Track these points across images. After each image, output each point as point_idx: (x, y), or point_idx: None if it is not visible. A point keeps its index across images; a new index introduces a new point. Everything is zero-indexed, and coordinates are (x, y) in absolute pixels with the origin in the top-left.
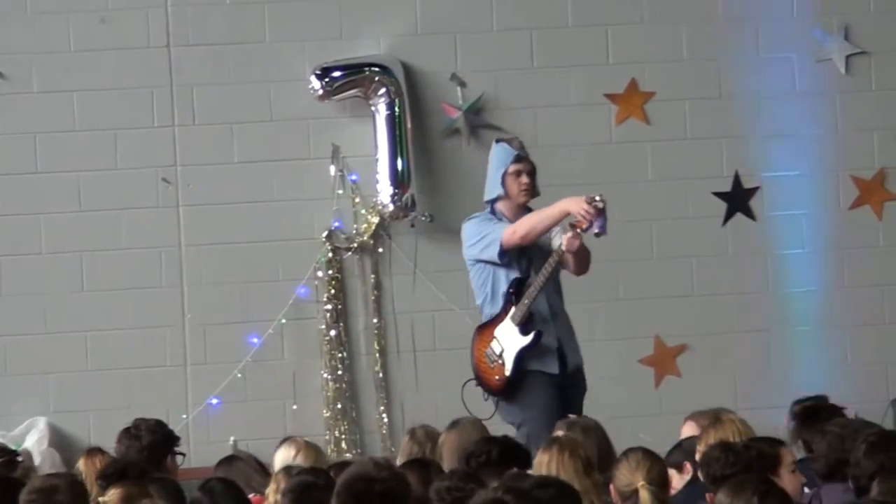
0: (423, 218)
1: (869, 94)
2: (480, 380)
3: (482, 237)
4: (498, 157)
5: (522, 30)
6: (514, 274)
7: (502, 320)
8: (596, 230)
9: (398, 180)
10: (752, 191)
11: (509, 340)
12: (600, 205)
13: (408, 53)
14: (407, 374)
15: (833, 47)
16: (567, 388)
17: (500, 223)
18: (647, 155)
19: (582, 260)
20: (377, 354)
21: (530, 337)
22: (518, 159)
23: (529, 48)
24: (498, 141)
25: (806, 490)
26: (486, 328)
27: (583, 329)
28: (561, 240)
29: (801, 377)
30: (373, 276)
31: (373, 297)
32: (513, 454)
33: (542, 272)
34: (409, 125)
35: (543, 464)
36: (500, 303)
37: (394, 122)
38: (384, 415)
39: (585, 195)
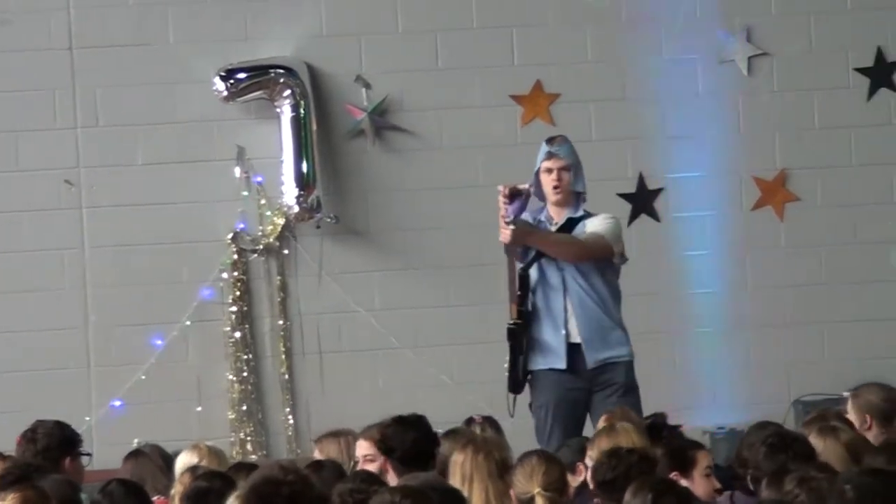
0: (329, 219)
1: (771, 95)
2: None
3: None
4: (538, 155)
5: (427, 31)
6: (537, 269)
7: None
8: (509, 217)
9: (303, 182)
10: (656, 192)
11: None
12: (505, 191)
13: (313, 55)
14: (312, 375)
15: (735, 49)
16: (591, 386)
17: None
18: None
19: (557, 251)
20: (283, 356)
21: (510, 322)
22: (549, 156)
23: (434, 50)
24: (547, 140)
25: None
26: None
27: (488, 330)
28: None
29: (703, 378)
30: (278, 277)
31: (278, 299)
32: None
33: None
34: (314, 127)
35: (458, 464)
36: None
37: (299, 124)
38: (290, 417)
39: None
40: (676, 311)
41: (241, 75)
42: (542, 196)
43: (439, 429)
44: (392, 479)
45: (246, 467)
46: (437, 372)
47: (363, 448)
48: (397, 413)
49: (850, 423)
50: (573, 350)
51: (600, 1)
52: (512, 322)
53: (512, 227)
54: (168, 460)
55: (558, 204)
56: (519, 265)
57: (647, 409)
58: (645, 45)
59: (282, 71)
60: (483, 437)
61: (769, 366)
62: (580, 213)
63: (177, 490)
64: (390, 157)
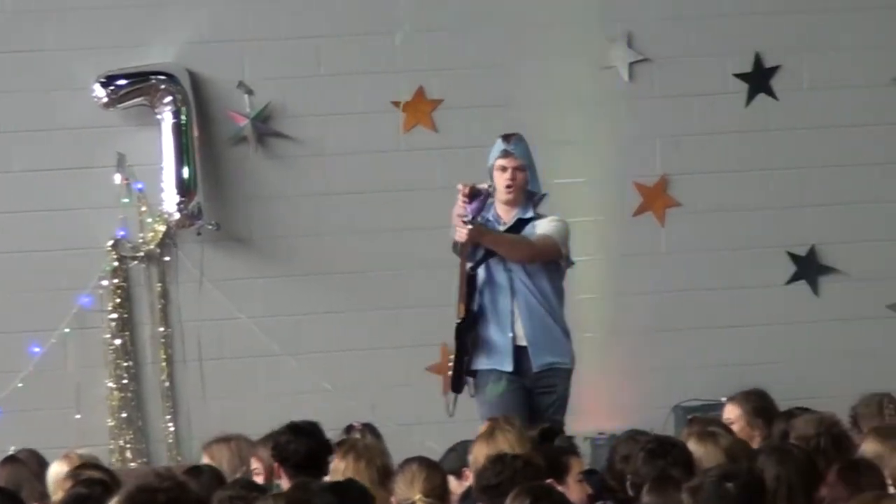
0: (210, 226)
1: (651, 100)
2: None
3: None
4: (492, 151)
5: (309, 38)
6: (484, 271)
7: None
8: (467, 217)
9: (184, 188)
10: (539, 198)
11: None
12: (465, 190)
13: (195, 62)
14: (194, 383)
15: (616, 55)
16: (534, 388)
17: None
18: (435, 162)
19: (509, 252)
20: (164, 363)
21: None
22: (505, 154)
23: (316, 56)
24: (502, 137)
25: None
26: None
27: (370, 337)
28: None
29: (585, 384)
30: (159, 284)
31: (159, 306)
32: None
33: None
34: (195, 133)
35: (339, 471)
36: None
37: (180, 131)
38: (170, 424)
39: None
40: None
41: (122, 82)
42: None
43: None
44: (286, 486)
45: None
46: (318, 378)
47: (254, 462)
48: (279, 419)
49: (728, 429)
50: (519, 352)
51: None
52: (459, 320)
53: (470, 226)
54: (45, 467)
55: (508, 203)
56: (468, 265)
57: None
58: (527, 50)
59: (163, 77)
60: (364, 444)
61: (649, 371)
62: (530, 213)
63: (57, 496)
64: (273, 164)
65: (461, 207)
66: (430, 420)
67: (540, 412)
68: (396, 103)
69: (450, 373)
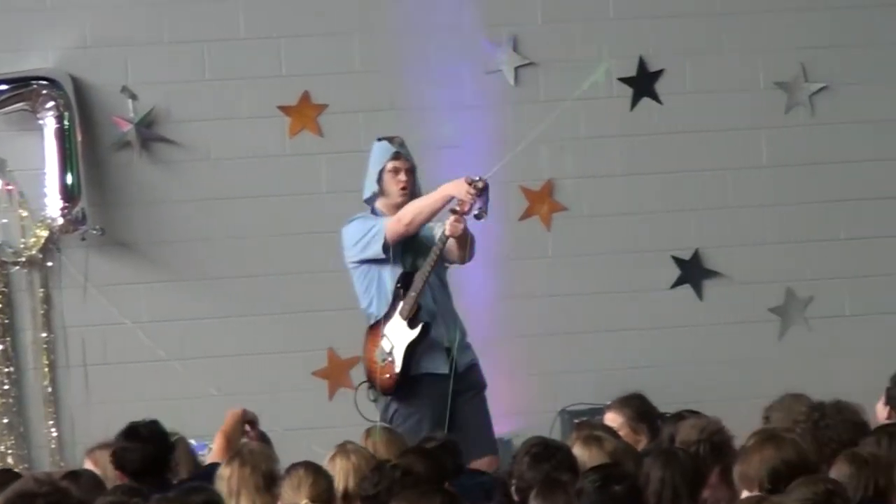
0: (94, 231)
1: (537, 105)
2: (372, 381)
3: (364, 234)
4: (376, 155)
5: (194, 42)
6: (397, 270)
7: (391, 317)
8: (475, 211)
9: (68, 194)
10: None
11: (398, 336)
12: (480, 184)
13: (77, 66)
14: (77, 388)
15: (502, 59)
16: (460, 389)
17: (382, 218)
18: (321, 167)
19: (465, 245)
20: (46, 369)
21: (417, 329)
22: (396, 156)
23: (201, 60)
24: (379, 139)
25: None
26: (375, 328)
27: (256, 342)
28: (444, 227)
29: None
30: (42, 290)
31: (42, 312)
32: None
33: (427, 262)
34: (79, 138)
35: (224, 478)
36: (387, 301)
37: (63, 136)
38: (53, 430)
39: (466, 177)
40: None
41: (2, 87)
42: (374, 198)
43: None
44: None
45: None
46: (205, 384)
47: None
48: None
49: (614, 433)
50: (448, 352)
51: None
52: (408, 320)
53: (478, 220)
54: None
55: (398, 206)
56: (398, 266)
57: None
58: (413, 54)
59: (44, 82)
60: (250, 449)
61: (536, 375)
62: None
63: None
64: (157, 169)
65: (467, 201)
66: (317, 425)
67: (465, 410)
68: (282, 108)
69: (388, 375)
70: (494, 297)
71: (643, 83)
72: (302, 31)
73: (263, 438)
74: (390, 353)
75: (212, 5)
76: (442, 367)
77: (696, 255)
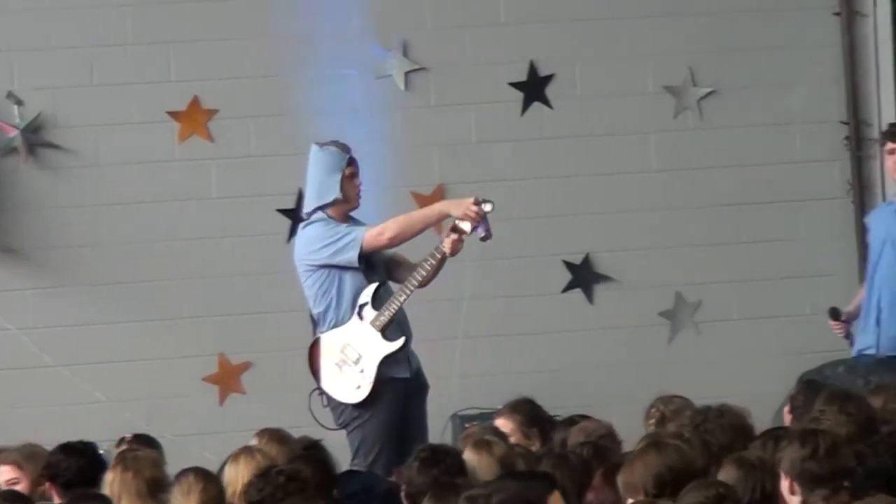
0: None
1: (428, 109)
2: (329, 389)
3: (335, 240)
4: (329, 161)
5: (81, 47)
6: (359, 278)
7: (355, 327)
8: (481, 234)
9: None
10: None
11: (369, 346)
12: (488, 208)
13: None
14: None
15: (392, 63)
16: (413, 390)
17: (357, 226)
18: (211, 172)
19: (437, 273)
20: None
21: (398, 343)
22: (351, 161)
23: (89, 65)
24: (321, 146)
25: None
26: (333, 336)
27: (145, 348)
28: (443, 244)
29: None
30: None
31: None
32: None
33: (417, 276)
34: None
35: (107, 483)
36: (345, 308)
37: None
38: None
39: (473, 196)
40: None
41: None
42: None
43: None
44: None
45: None
46: (92, 390)
47: (5, 473)
48: (51, 431)
49: (505, 437)
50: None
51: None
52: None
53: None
54: None
55: (353, 211)
56: (365, 278)
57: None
58: (303, 59)
59: None
60: (134, 454)
61: (431, 380)
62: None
63: None
64: (45, 174)
65: (472, 222)
66: (207, 431)
67: (418, 411)
68: (172, 113)
69: (358, 386)
70: None
71: (534, 88)
72: (191, 36)
73: (152, 444)
74: (357, 363)
75: (99, 10)
76: (403, 371)
77: (586, 260)
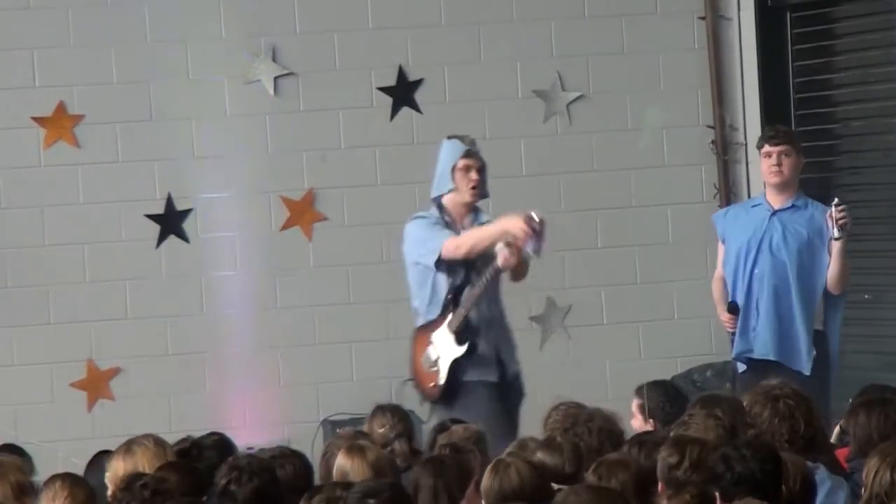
0: None
1: (297, 115)
2: (417, 383)
3: (423, 241)
4: (447, 153)
5: None
6: (454, 278)
7: (440, 325)
8: (529, 249)
9: None
10: (186, 213)
11: (445, 348)
12: (536, 226)
13: None
14: None
15: (261, 69)
16: (507, 396)
17: (445, 231)
18: (78, 178)
19: (519, 272)
20: None
21: (464, 347)
22: (468, 154)
23: None
24: (449, 137)
25: None
26: (425, 331)
27: (13, 353)
28: (498, 256)
29: (233, 399)
30: None
31: None
32: None
33: (480, 284)
34: None
35: None
36: (439, 306)
37: None
38: None
39: (524, 214)
40: (208, 332)
41: None
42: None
43: None
44: None
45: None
46: None
47: None
48: None
49: (378, 443)
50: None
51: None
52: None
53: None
54: None
55: (467, 206)
56: (450, 280)
57: (175, 427)
58: (171, 65)
59: None
60: (0, 459)
61: (298, 385)
62: (484, 217)
63: None
64: None
65: (528, 236)
66: (75, 437)
67: (512, 416)
68: (36, 119)
69: (433, 384)
70: (256, 307)
71: (403, 93)
72: (56, 41)
73: (17, 451)
74: (436, 363)
75: None
76: (488, 375)
77: None
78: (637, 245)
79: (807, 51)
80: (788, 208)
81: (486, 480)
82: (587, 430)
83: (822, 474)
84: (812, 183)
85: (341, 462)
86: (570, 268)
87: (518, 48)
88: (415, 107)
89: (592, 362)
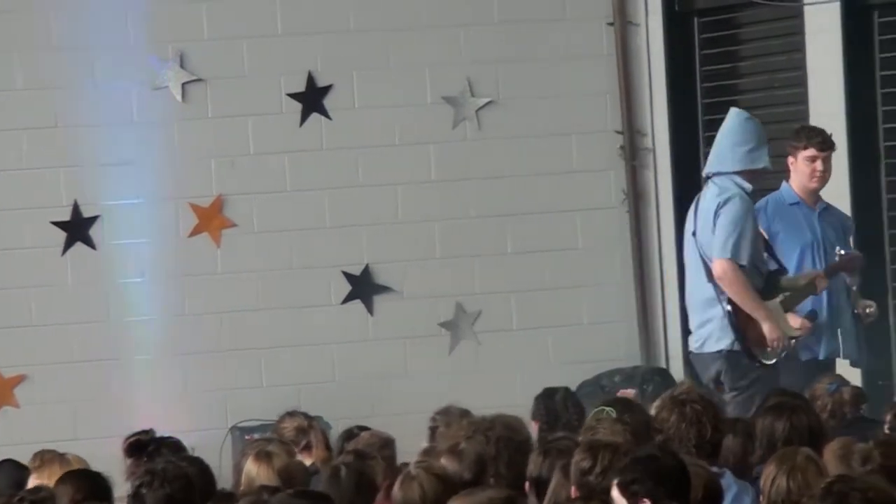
0: None
1: (205, 121)
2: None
3: (725, 236)
4: (758, 131)
5: None
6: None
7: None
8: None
9: None
10: (92, 220)
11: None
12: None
13: None
14: None
15: (169, 75)
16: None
17: (747, 244)
18: None
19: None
20: None
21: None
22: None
23: None
24: (740, 113)
25: None
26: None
27: None
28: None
29: (141, 406)
30: None
31: None
32: None
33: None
34: None
35: None
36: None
37: None
38: None
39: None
40: (114, 339)
41: None
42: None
43: None
44: None
45: None
46: None
47: None
48: None
49: (287, 450)
50: None
51: None
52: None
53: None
54: None
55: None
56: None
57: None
58: (77, 71)
59: None
60: None
61: (206, 392)
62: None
63: None
64: None
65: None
66: None
67: None
68: None
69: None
70: (164, 314)
71: (312, 99)
72: None
73: None
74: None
75: None
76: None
77: (366, 271)
78: (546, 250)
79: (714, 56)
80: (825, 209)
81: (395, 492)
82: (485, 439)
83: (727, 479)
84: None
85: (249, 468)
86: (480, 273)
87: (427, 54)
88: (324, 113)
89: (502, 368)
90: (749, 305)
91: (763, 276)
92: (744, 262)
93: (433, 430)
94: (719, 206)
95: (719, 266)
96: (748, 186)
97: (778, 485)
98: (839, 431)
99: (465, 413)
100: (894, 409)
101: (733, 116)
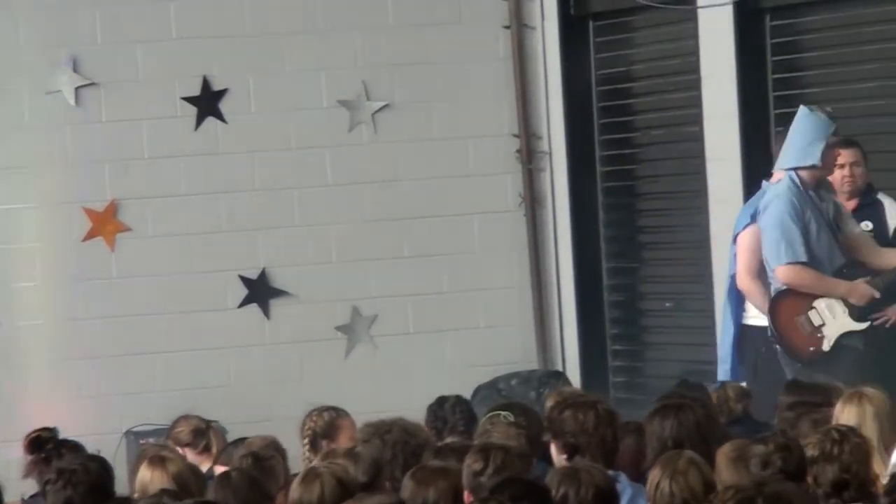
0: None
1: (99, 125)
2: (784, 339)
3: (773, 242)
4: (814, 126)
5: None
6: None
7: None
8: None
9: None
10: None
11: (835, 318)
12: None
13: None
14: None
15: (62, 79)
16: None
17: (789, 251)
18: None
19: None
20: None
21: (864, 325)
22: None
23: None
24: (811, 109)
25: None
26: (803, 295)
27: None
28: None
29: (34, 411)
30: None
31: None
32: None
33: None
34: None
35: None
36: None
37: None
38: None
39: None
40: (7, 342)
41: None
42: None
43: None
44: None
45: None
46: None
47: None
48: None
49: (180, 455)
50: None
51: None
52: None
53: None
54: None
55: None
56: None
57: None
58: None
59: None
60: None
61: (102, 396)
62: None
63: None
64: None
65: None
66: None
67: None
68: None
69: (813, 349)
70: (58, 318)
71: (207, 103)
72: None
73: None
74: (819, 329)
75: None
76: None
77: (263, 275)
78: (443, 254)
79: (609, 59)
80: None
81: (294, 487)
82: (382, 442)
83: (623, 483)
84: (613, 192)
85: (143, 474)
86: (376, 277)
87: (323, 58)
88: (219, 116)
89: (398, 372)
90: (833, 294)
91: (832, 264)
92: (803, 258)
93: (312, 439)
94: (758, 213)
95: (782, 274)
96: (802, 183)
97: (661, 489)
98: (725, 429)
99: (333, 411)
100: (785, 403)
101: (798, 112)
